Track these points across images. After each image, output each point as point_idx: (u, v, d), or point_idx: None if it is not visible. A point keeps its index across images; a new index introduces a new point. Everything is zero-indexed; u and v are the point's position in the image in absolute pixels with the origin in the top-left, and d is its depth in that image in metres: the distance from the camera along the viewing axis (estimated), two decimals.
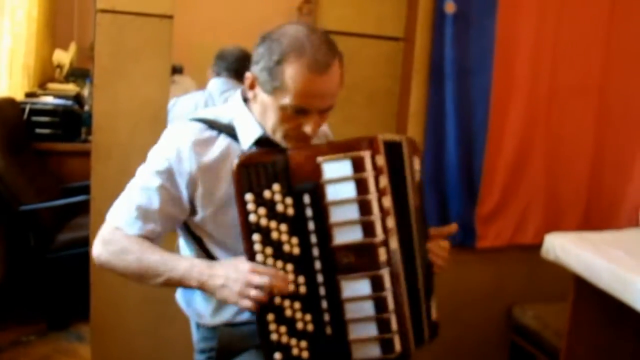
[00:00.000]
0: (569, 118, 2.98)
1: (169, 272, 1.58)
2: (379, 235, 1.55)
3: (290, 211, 1.56)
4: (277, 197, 1.55)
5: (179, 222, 1.71)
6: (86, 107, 4.40)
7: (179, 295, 1.85)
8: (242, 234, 1.55)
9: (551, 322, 2.86)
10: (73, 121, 4.21)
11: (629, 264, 2.14)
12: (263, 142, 1.65)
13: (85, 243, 2.71)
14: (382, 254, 1.56)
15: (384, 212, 1.56)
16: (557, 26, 2.90)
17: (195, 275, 1.56)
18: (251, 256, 1.55)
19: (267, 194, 1.55)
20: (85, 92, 4.52)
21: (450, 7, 2.73)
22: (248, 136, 1.65)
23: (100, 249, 1.67)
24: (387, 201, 1.57)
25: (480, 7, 2.76)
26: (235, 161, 1.56)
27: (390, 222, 1.58)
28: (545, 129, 2.96)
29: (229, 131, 1.67)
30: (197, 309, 1.78)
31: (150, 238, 1.66)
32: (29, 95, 4.33)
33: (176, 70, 4.28)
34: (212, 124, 1.68)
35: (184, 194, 1.64)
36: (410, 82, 2.80)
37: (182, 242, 1.80)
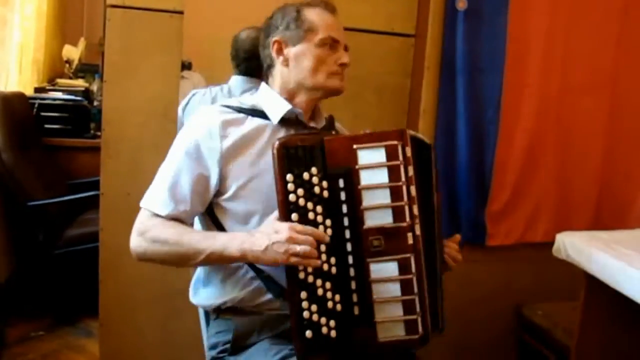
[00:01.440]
0: (580, 116, 2.97)
1: (210, 247, 1.61)
2: (407, 220, 1.63)
3: (326, 194, 1.62)
4: (315, 179, 1.61)
5: (207, 202, 1.73)
6: (95, 103, 4.41)
7: (192, 289, 1.86)
8: (280, 212, 1.59)
9: (561, 321, 2.84)
10: (82, 116, 4.22)
11: None
12: (291, 122, 1.78)
13: (94, 238, 2.71)
14: (410, 239, 1.63)
15: (411, 200, 1.64)
16: (569, 23, 2.88)
17: (237, 245, 1.59)
18: None
19: (305, 175, 1.61)
20: (95, 88, 4.53)
21: (461, 4, 2.71)
22: (276, 111, 1.76)
23: (137, 241, 1.69)
24: (414, 190, 1.65)
25: (491, 4, 2.75)
26: (276, 142, 1.61)
27: (416, 210, 1.65)
28: (556, 127, 2.94)
29: (255, 113, 1.77)
30: (212, 293, 1.79)
31: (182, 219, 1.70)
32: (38, 90, 4.33)
33: (185, 65, 4.27)
34: (237, 108, 1.77)
35: (215, 171, 1.69)
36: (422, 78, 2.79)
37: (196, 222, 1.82)
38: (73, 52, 4.88)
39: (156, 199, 1.70)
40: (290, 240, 1.52)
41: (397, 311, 1.63)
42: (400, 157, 1.63)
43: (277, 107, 1.76)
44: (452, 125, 2.81)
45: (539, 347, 2.94)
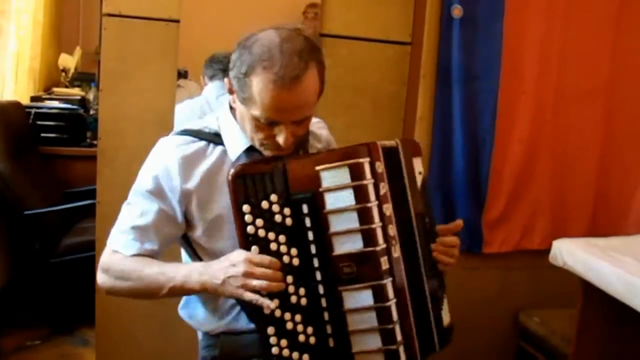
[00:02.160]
0: (576, 123, 2.97)
1: (171, 281, 1.56)
2: (381, 243, 1.51)
3: (289, 221, 1.53)
4: (275, 207, 1.52)
5: (176, 237, 1.70)
6: (91, 111, 4.41)
7: (181, 309, 1.84)
8: (240, 245, 1.52)
9: (558, 328, 2.84)
10: (78, 125, 4.21)
11: (638, 270, 2.12)
12: (253, 150, 1.63)
13: (90, 247, 2.70)
14: (384, 263, 1.52)
15: (385, 220, 1.53)
16: (564, 31, 2.88)
17: (195, 278, 1.54)
18: None
19: (264, 204, 1.52)
20: (91, 96, 4.53)
21: (457, 12, 2.72)
22: (235, 147, 1.64)
23: (102, 277, 1.67)
24: (388, 209, 1.54)
25: (487, 12, 2.75)
26: (230, 172, 1.52)
27: (392, 230, 1.55)
28: (552, 134, 2.94)
29: (217, 140, 1.66)
30: (198, 320, 1.77)
31: (151, 256, 1.65)
32: (34, 99, 4.33)
33: (181, 74, 4.27)
34: (198, 135, 1.66)
35: (178, 210, 1.63)
36: (417, 86, 2.79)
37: (184, 254, 1.80)
38: (69, 61, 4.88)
39: (121, 239, 1.65)
40: (247, 274, 1.45)
41: (376, 342, 1.53)
42: (368, 175, 1.51)
43: (236, 143, 1.64)
44: (448, 133, 2.81)
45: (536, 354, 2.94)
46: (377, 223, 1.51)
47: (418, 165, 1.71)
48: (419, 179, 1.70)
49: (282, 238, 1.52)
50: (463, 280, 2.85)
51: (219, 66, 3.00)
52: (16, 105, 3.98)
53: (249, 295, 1.45)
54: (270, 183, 1.52)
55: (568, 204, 3.02)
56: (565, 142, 2.96)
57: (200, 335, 1.87)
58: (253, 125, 1.55)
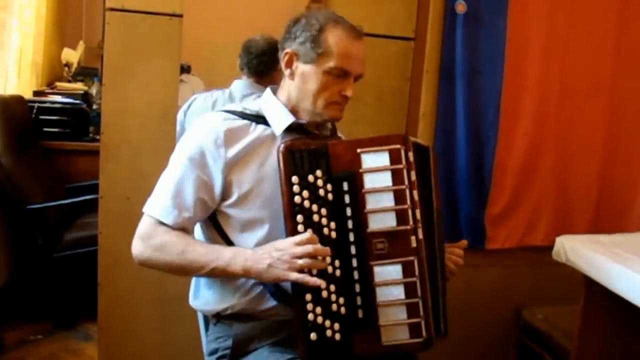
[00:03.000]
0: (579, 119, 2.96)
1: (214, 262, 1.62)
2: (411, 224, 1.64)
3: (330, 197, 1.63)
4: (320, 182, 1.63)
5: (210, 210, 1.73)
6: (94, 106, 4.41)
7: (193, 301, 1.85)
8: (286, 214, 1.60)
9: (560, 324, 2.84)
10: (81, 120, 4.21)
11: None
12: (295, 129, 1.75)
13: (92, 242, 2.70)
14: (413, 242, 1.64)
15: (413, 204, 1.65)
16: (568, 27, 2.88)
17: (240, 262, 1.59)
18: (294, 235, 1.59)
19: (310, 178, 1.62)
20: (94, 91, 4.53)
21: (461, 7, 2.71)
22: (280, 123, 1.75)
23: (140, 247, 1.69)
24: (416, 195, 1.66)
25: (491, 7, 2.75)
26: (281, 145, 1.63)
27: (418, 214, 1.66)
28: (555, 130, 2.93)
29: (260, 120, 1.76)
30: (215, 302, 1.78)
31: (185, 227, 1.69)
32: (37, 93, 4.33)
33: (184, 69, 4.27)
34: (242, 114, 1.76)
35: (218, 179, 1.69)
36: (421, 82, 2.79)
37: (199, 232, 1.81)
38: (72, 56, 4.87)
39: (159, 206, 1.68)
40: (292, 255, 1.52)
41: (401, 314, 1.63)
42: (403, 161, 1.64)
43: (281, 118, 1.75)
44: (451, 128, 2.81)
45: (538, 350, 2.93)
46: (408, 204, 1.65)
47: (437, 174, 1.84)
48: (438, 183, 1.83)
49: (323, 211, 1.63)
50: (466, 276, 2.82)
51: (246, 59, 2.95)
52: (19, 99, 3.99)
53: (295, 276, 1.52)
54: (316, 159, 1.64)
55: (571, 200, 3.01)
56: (569, 138, 2.96)
57: (202, 329, 1.87)
58: (322, 82, 1.71)
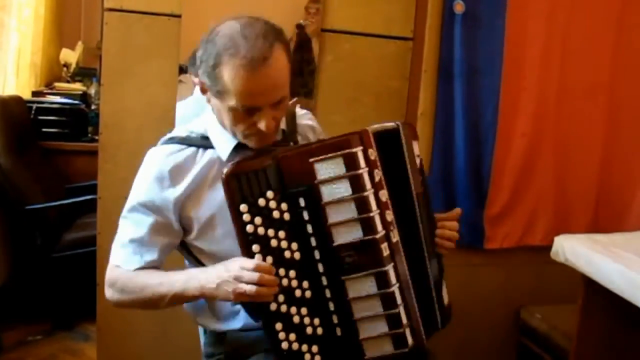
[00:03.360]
0: (578, 119, 2.96)
1: (171, 290, 1.58)
2: (380, 230, 1.53)
3: (287, 216, 1.53)
4: (272, 203, 1.52)
5: (175, 246, 1.70)
6: (93, 106, 4.40)
7: (187, 307, 1.83)
8: (240, 245, 1.52)
9: (559, 324, 2.84)
10: (80, 120, 4.21)
11: (639, 266, 2.12)
12: (243, 148, 1.63)
13: (91, 242, 2.70)
14: (385, 250, 1.54)
15: (382, 207, 1.54)
16: (567, 26, 2.87)
17: (194, 285, 1.55)
18: None
19: (261, 201, 1.51)
20: (92, 91, 4.52)
21: (459, 7, 2.71)
22: (224, 147, 1.64)
23: (109, 293, 1.70)
24: (384, 195, 1.55)
25: (489, 7, 2.75)
26: (224, 172, 1.50)
27: (389, 216, 1.56)
28: (554, 130, 2.93)
29: (206, 144, 1.66)
30: (203, 321, 1.78)
31: (154, 266, 1.66)
32: (35, 94, 4.33)
33: (183, 70, 4.26)
34: (186, 141, 1.67)
35: (173, 219, 1.64)
36: (419, 82, 2.79)
37: (186, 261, 1.80)
38: (71, 56, 4.87)
39: (121, 254, 1.67)
40: (237, 279, 1.45)
41: (382, 327, 1.55)
42: (362, 164, 1.51)
43: (224, 142, 1.64)
44: (450, 128, 2.80)
45: (537, 350, 2.93)
46: (374, 211, 1.53)
47: (416, 148, 1.72)
48: (417, 162, 1.71)
49: (281, 234, 1.52)
50: (464, 276, 2.85)
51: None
52: (17, 100, 3.98)
53: (240, 299, 1.48)
54: (265, 179, 1.52)
55: (570, 200, 3.01)
56: (567, 138, 2.96)
57: (201, 332, 1.87)
58: (232, 118, 1.54)
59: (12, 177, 3.54)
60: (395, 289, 1.55)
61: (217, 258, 1.63)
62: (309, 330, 1.55)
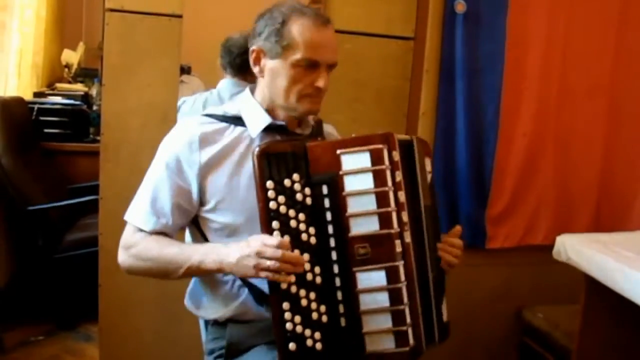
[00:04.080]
0: (579, 118, 2.96)
1: (188, 260, 1.61)
2: (395, 227, 1.57)
3: (309, 201, 1.58)
4: (297, 186, 1.57)
5: (190, 215, 1.73)
6: (94, 107, 4.41)
7: (188, 300, 1.86)
8: (261, 221, 1.55)
9: (561, 324, 2.84)
10: (81, 121, 4.22)
11: None
12: (274, 130, 1.72)
13: (93, 243, 2.70)
14: (398, 246, 1.57)
15: (399, 206, 1.58)
16: (568, 26, 2.88)
17: (213, 257, 1.58)
18: None
19: (287, 182, 1.56)
20: (94, 92, 4.52)
21: (460, 7, 2.71)
22: (256, 125, 1.71)
23: (122, 256, 1.71)
24: (402, 196, 1.60)
25: (490, 7, 2.75)
26: (256, 149, 1.56)
27: (405, 217, 1.60)
28: (555, 129, 2.93)
29: (238, 122, 1.73)
30: (205, 307, 1.79)
31: (166, 233, 1.70)
32: (37, 95, 4.33)
33: (184, 70, 4.26)
34: (219, 117, 1.73)
35: (194, 184, 1.68)
36: (421, 81, 2.79)
37: (188, 239, 1.82)
38: (72, 57, 4.87)
39: (138, 213, 1.70)
40: (259, 253, 1.48)
41: (386, 322, 1.57)
42: (386, 162, 1.57)
43: (257, 119, 1.72)
44: (451, 128, 2.81)
45: (539, 350, 2.93)
46: (392, 207, 1.57)
47: (428, 165, 1.78)
48: (428, 177, 1.76)
49: (301, 216, 1.57)
50: (466, 276, 2.84)
51: (228, 58, 2.95)
52: (19, 101, 3.99)
53: (263, 274, 1.50)
54: (293, 163, 1.58)
55: (572, 199, 3.01)
56: (569, 138, 2.96)
57: (202, 329, 1.88)
58: (291, 76, 1.64)
59: (14, 178, 3.54)
60: (403, 286, 1.58)
61: (228, 232, 1.68)
62: (315, 315, 1.57)
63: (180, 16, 2.53)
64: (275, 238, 1.51)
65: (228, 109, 1.76)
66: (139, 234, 1.69)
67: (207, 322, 1.87)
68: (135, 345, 2.71)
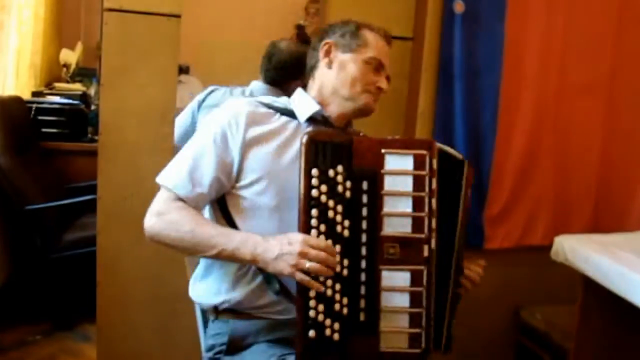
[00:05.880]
0: (578, 118, 2.97)
1: (224, 244, 1.61)
2: (425, 232, 1.62)
3: (349, 194, 1.60)
4: (339, 178, 1.60)
5: (224, 189, 1.73)
6: (92, 107, 4.40)
7: (192, 287, 1.86)
8: (301, 206, 1.57)
9: (559, 324, 2.84)
10: (79, 120, 4.21)
11: (639, 266, 2.12)
12: (320, 122, 1.78)
13: (91, 242, 2.70)
14: (425, 251, 1.62)
15: (431, 212, 1.63)
16: (566, 26, 2.88)
17: (250, 248, 1.59)
18: (306, 229, 1.57)
19: (331, 172, 1.59)
20: (92, 92, 4.52)
21: (459, 7, 2.72)
22: (305, 110, 1.78)
23: (153, 220, 1.69)
24: (434, 203, 1.64)
25: (489, 7, 2.75)
26: (305, 136, 1.60)
27: (434, 223, 1.64)
28: (553, 130, 2.94)
29: (285, 112, 1.78)
30: (212, 293, 1.78)
31: (198, 203, 1.70)
32: (35, 94, 4.32)
33: (182, 70, 4.26)
34: (268, 104, 1.79)
35: (236, 158, 1.70)
36: (419, 81, 2.79)
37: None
38: (70, 56, 4.86)
39: (175, 177, 1.70)
40: (302, 254, 1.51)
41: (403, 322, 1.62)
42: (427, 168, 1.63)
43: (306, 107, 1.79)
44: (449, 128, 2.81)
45: (537, 350, 2.94)
46: (426, 212, 1.62)
47: (469, 190, 1.80)
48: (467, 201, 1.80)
49: (339, 208, 1.59)
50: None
51: (265, 66, 2.79)
52: (17, 100, 3.98)
53: (299, 276, 1.52)
54: (340, 154, 1.61)
55: (570, 200, 3.02)
56: (567, 138, 2.96)
57: (200, 327, 1.88)
58: (362, 70, 1.78)
59: (12, 178, 3.54)
60: (423, 290, 1.62)
61: (256, 213, 1.70)
62: (337, 306, 1.59)
63: (178, 16, 2.53)
64: (321, 240, 1.54)
65: (276, 100, 1.83)
66: (174, 203, 1.68)
67: (206, 320, 1.87)
68: (133, 344, 2.71)
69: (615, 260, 2.18)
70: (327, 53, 1.82)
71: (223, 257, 1.65)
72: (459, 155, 1.77)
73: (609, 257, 2.21)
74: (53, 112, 4.12)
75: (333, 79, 1.80)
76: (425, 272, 1.62)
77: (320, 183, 1.57)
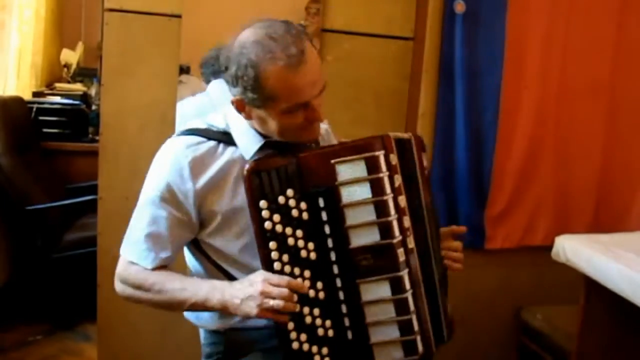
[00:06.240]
0: (579, 119, 2.96)
1: (192, 298, 1.56)
2: (397, 235, 1.52)
3: (306, 216, 1.52)
4: (292, 202, 1.51)
5: (190, 239, 1.68)
6: (93, 107, 4.40)
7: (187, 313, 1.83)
8: (257, 243, 1.51)
9: (560, 325, 2.83)
10: (80, 121, 4.21)
11: None
12: (267, 145, 1.62)
13: (92, 243, 2.70)
14: (401, 255, 1.53)
15: (400, 212, 1.53)
16: (567, 26, 2.88)
17: (217, 296, 1.53)
18: (268, 264, 1.51)
19: (281, 199, 1.51)
20: (93, 92, 4.52)
21: (460, 7, 2.71)
22: (249, 147, 1.62)
23: (121, 287, 1.66)
24: (403, 201, 1.55)
25: (490, 7, 2.75)
26: (246, 167, 1.51)
27: (407, 222, 1.56)
28: (555, 130, 2.93)
29: (227, 139, 1.64)
30: (206, 319, 1.76)
31: (167, 264, 1.64)
32: (36, 94, 4.33)
33: (183, 70, 4.25)
34: (207, 134, 1.64)
35: (192, 213, 1.61)
36: (420, 82, 2.79)
37: (189, 258, 1.77)
38: (71, 56, 4.87)
39: (135, 250, 1.63)
40: (263, 294, 1.44)
41: (393, 332, 1.54)
42: (384, 168, 1.51)
43: (249, 141, 1.62)
44: (450, 128, 2.80)
45: (538, 351, 2.93)
46: (393, 215, 1.52)
47: (425, 160, 1.73)
48: (425, 173, 1.71)
49: (299, 233, 1.52)
50: (465, 276, 2.80)
51: (212, 68, 2.84)
52: (18, 100, 3.99)
53: (267, 315, 1.46)
54: (286, 178, 1.52)
55: (571, 200, 3.01)
56: (568, 138, 2.96)
57: (202, 332, 1.87)
58: (282, 122, 1.54)
59: (13, 178, 3.54)
60: (409, 295, 1.54)
61: (226, 256, 1.64)
62: (320, 331, 1.54)
63: (179, 16, 2.54)
64: (280, 277, 1.48)
65: (214, 122, 1.66)
66: (134, 267, 1.63)
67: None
68: (134, 345, 2.71)
69: (616, 261, 2.18)
70: (240, 109, 1.57)
71: (197, 309, 1.62)
72: (406, 135, 1.65)
73: (611, 257, 2.21)
74: (54, 112, 4.13)
75: (259, 128, 1.61)
76: (406, 276, 1.53)
77: (272, 213, 1.50)
